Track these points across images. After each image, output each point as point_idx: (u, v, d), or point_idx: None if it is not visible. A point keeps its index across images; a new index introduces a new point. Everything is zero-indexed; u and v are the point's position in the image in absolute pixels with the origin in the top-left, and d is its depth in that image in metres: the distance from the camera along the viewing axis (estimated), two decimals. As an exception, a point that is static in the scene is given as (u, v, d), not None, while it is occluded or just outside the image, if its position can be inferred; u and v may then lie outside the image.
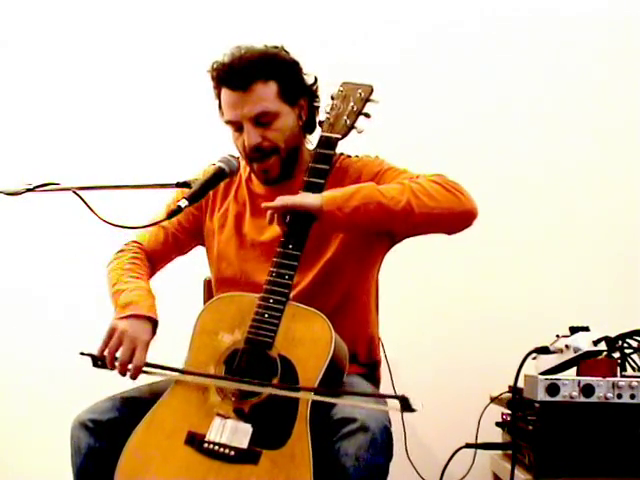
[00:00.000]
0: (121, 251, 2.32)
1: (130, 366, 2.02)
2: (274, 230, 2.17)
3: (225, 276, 2.29)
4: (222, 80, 2.17)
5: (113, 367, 2.03)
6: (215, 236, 2.32)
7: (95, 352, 2.03)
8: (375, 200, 2.04)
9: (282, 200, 2.06)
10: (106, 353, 2.03)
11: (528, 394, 2.41)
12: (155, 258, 2.34)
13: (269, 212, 2.08)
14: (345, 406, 1.92)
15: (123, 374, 2.03)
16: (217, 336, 2.04)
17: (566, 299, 3.08)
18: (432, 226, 2.13)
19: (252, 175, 2.30)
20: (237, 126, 2.19)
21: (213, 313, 2.09)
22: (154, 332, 2.10)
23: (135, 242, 2.33)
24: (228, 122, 2.20)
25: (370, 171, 2.23)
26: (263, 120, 2.16)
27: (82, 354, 2.04)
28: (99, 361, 2.03)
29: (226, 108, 2.19)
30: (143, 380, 2.14)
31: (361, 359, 2.25)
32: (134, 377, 2.03)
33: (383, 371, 2.36)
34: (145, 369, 2.03)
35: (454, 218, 2.11)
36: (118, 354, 2.02)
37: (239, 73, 2.14)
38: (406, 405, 1.81)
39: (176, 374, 2.03)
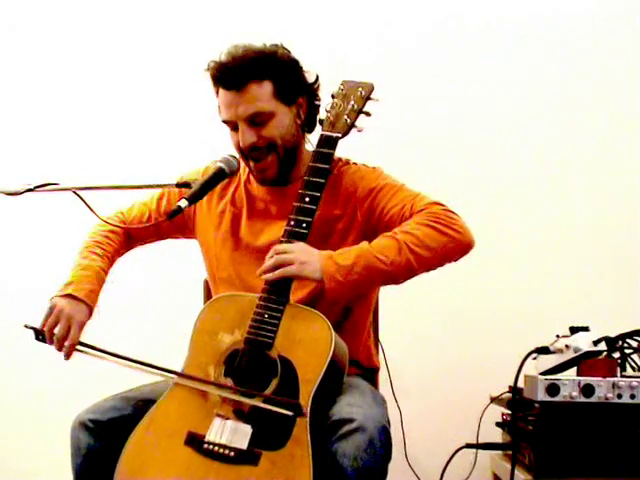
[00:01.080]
0: (104, 220, 2.30)
1: (66, 343, 2.10)
2: (269, 235, 2.18)
3: (220, 276, 2.30)
4: (217, 79, 2.17)
5: (52, 342, 2.12)
6: (210, 235, 2.31)
7: (38, 326, 2.13)
8: (375, 268, 2.01)
9: (281, 271, 2.02)
10: (45, 328, 2.12)
11: (528, 394, 2.40)
12: (133, 236, 2.37)
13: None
14: (343, 406, 1.93)
15: (59, 350, 2.12)
16: (217, 336, 2.04)
17: (566, 299, 3.08)
18: (434, 268, 2.12)
19: (251, 177, 2.30)
20: (233, 125, 2.19)
21: (213, 313, 2.09)
22: (90, 314, 2.17)
23: (121, 214, 2.38)
24: (224, 121, 2.20)
25: (366, 186, 2.20)
26: (258, 120, 2.15)
27: (26, 326, 2.14)
28: (40, 335, 2.13)
29: (222, 107, 2.19)
30: (141, 380, 2.15)
31: (361, 364, 2.26)
32: (67, 355, 2.11)
33: (384, 375, 2.37)
34: (80, 348, 2.10)
35: (451, 257, 2.12)
36: (56, 331, 2.11)
37: (234, 73, 2.14)
38: (297, 409, 1.88)
39: (112, 358, 2.06)
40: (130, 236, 2.37)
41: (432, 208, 2.12)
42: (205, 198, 2.30)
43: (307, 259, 2.03)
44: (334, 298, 2.04)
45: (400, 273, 2.05)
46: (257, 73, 2.14)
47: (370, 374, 2.29)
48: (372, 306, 2.34)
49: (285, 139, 2.19)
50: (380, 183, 2.21)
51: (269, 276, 2.03)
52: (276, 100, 2.16)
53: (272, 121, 2.16)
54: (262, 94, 2.14)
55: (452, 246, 2.08)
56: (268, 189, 2.27)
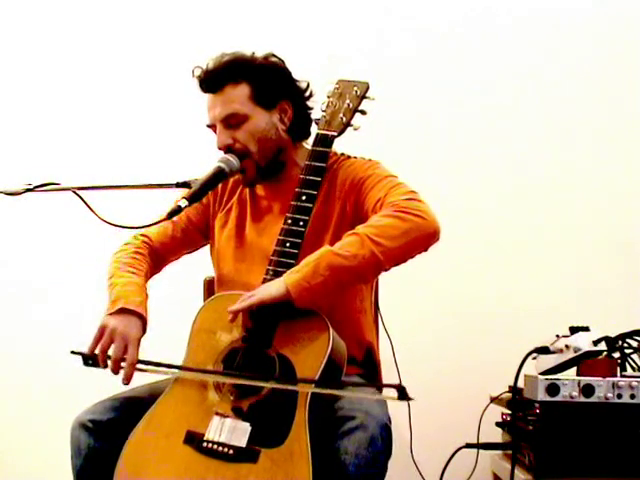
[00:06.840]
0: (127, 243, 2.29)
1: (123, 364, 2.01)
2: (272, 233, 2.16)
3: (223, 274, 2.29)
4: (200, 84, 2.19)
5: (105, 365, 2.02)
6: (217, 234, 2.32)
7: (86, 350, 2.02)
8: (338, 266, 1.95)
9: (248, 301, 1.98)
10: (97, 351, 2.02)
11: (528, 394, 2.41)
12: (163, 252, 2.33)
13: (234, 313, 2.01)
14: (344, 404, 1.93)
15: (116, 372, 2.02)
16: (215, 335, 2.04)
17: (566, 299, 3.08)
18: (402, 259, 2.04)
19: None
20: (214, 130, 2.20)
21: (211, 312, 2.09)
22: (144, 329, 2.08)
23: (143, 235, 2.31)
24: (208, 126, 2.21)
25: (355, 177, 2.18)
26: (232, 122, 2.16)
27: (73, 352, 2.02)
28: (90, 360, 2.02)
29: (207, 112, 2.21)
30: (140, 380, 2.14)
31: (358, 362, 2.23)
32: (129, 374, 2.01)
33: (392, 373, 2.36)
34: (139, 366, 2.01)
35: (417, 245, 2.02)
36: (110, 352, 2.01)
37: (212, 76, 2.17)
38: (403, 394, 1.79)
39: (171, 370, 2.02)
40: (158, 255, 2.32)
41: (398, 199, 2.05)
42: (217, 199, 2.32)
43: (267, 285, 2.00)
44: (305, 306, 1.98)
45: (366, 267, 1.97)
46: (232, 75, 2.15)
47: (370, 373, 2.27)
48: (368, 298, 2.30)
49: (262, 144, 2.18)
50: (367, 173, 2.18)
51: (232, 308, 1.98)
52: (253, 103, 2.17)
53: (247, 124, 2.16)
54: (237, 96, 2.15)
55: (416, 234, 1.99)
56: (268, 188, 2.27)
